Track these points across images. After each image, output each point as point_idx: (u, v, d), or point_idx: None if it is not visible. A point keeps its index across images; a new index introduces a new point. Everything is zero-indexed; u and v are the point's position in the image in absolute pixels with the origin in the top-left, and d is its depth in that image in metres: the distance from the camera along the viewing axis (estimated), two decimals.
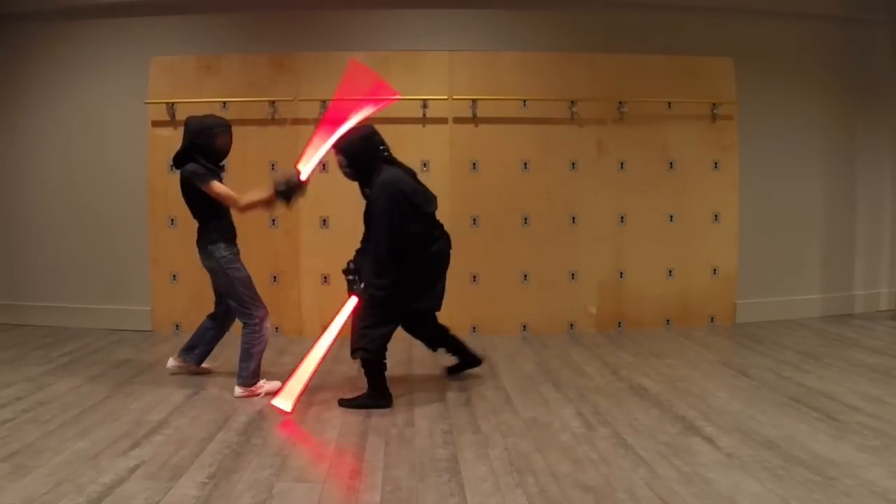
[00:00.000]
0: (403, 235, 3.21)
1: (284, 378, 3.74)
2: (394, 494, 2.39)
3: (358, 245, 3.59)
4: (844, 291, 5.56)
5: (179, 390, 3.61)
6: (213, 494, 2.38)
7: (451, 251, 3.50)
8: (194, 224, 3.62)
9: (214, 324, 3.83)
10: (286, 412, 3.23)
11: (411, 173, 3.43)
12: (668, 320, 5.20)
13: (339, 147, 3.35)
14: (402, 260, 3.24)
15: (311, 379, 3.33)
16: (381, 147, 3.35)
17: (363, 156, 3.31)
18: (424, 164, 4.93)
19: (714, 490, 2.39)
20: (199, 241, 3.57)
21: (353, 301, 3.40)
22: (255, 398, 3.49)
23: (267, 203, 3.45)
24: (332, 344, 3.39)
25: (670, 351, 4.47)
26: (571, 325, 5.12)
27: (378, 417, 3.21)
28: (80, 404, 3.35)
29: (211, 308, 3.86)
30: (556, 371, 4.01)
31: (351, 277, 3.43)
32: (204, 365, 3.93)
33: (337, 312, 3.45)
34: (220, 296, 3.74)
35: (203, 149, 3.50)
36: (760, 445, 2.78)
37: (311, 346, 3.39)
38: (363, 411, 3.29)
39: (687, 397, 3.45)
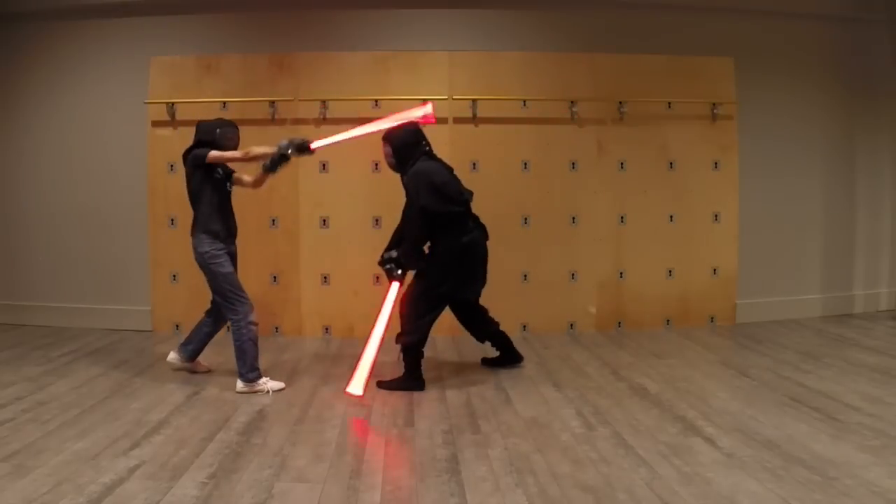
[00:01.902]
0: (432, 221, 3.52)
1: (287, 377, 3.77)
2: (394, 494, 2.39)
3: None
4: (844, 291, 5.56)
5: (179, 390, 3.62)
6: (213, 494, 2.38)
7: (488, 243, 3.76)
8: None
9: (210, 320, 3.86)
10: (360, 396, 3.47)
11: (448, 168, 3.70)
12: (668, 320, 5.20)
13: (387, 138, 3.66)
14: (425, 241, 3.59)
15: (374, 365, 3.55)
16: (424, 142, 3.66)
17: (407, 147, 3.61)
18: None
19: (714, 490, 2.38)
20: (191, 233, 3.68)
21: (395, 288, 3.67)
22: (257, 395, 3.51)
23: (267, 157, 3.52)
24: (387, 330, 3.62)
25: (670, 351, 4.47)
26: (571, 325, 5.12)
27: (378, 417, 3.22)
28: (80, 404, 3.35)
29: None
30: (556, 371, 4.01)
31: (388, 266, 3.69)
32: (203, 364, 3.95)
33: (383, 303, 3.68)
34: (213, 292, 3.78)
35: (210, 145, 3.60)
36: (760, 445, 2.78)
37: (368, 336, 3.61)
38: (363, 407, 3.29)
39: (687, 397, 3.45)
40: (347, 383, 3.53)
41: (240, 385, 3.56)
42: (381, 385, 3.65)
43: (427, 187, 3.49)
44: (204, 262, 3.59)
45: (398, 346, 3.66)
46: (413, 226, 3.57)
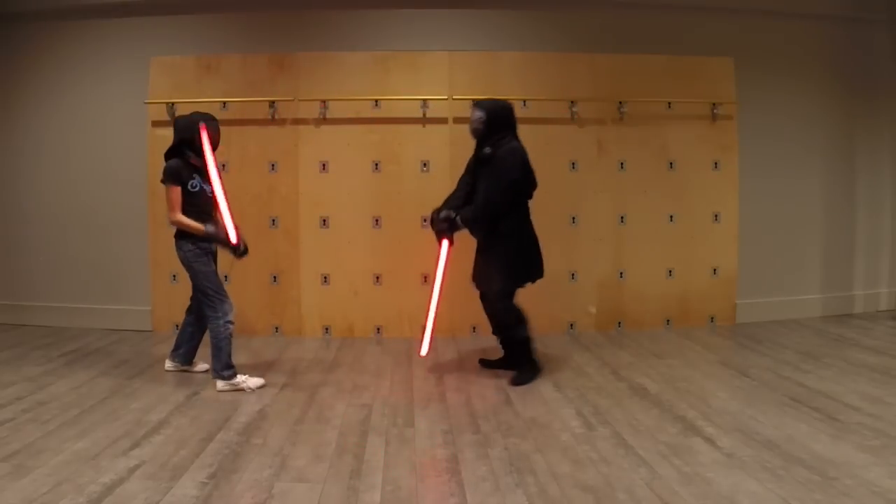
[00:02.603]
0: (515, 193, 3.68)
1: (287, 377, 3.77)
2: (394, 494, 2.39)
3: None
4: (844, 291, 5.56)
5: (179, 390, 3.62)
6: (213, 494, 2.38)
7: None
8: None
9: (191, 318, 3.88)
10: (423, 356, 3.90)
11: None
12: (668, 320, 5.20)
13: (483, 105, 3.76)
14: (503, 212, 3.67)
15: (434, 326, 3.86)
16: (514, 123, 3.80)
17: (501, 121, 3.73)
18: (424, 164, 4.93)
19: (714, 490, 2.39)
20: (174, 234, 3.68)
21: (445, 246, 3.79)
22: (257, 395, 3.51)
23: (197, 231, 3.58)
24: (442, 291, 3.82)
25: (670, 351, 4.47)
26: (571, 325, 5.12)
27: (378, 417, 3.22)
28: (80, 404, 3.35)
29: None
30: (556, 371, 4.00)
31: (441, 226, 3.75)
32: (204, 365, 3.95)
33: (436, 263, 3.81)
34: (194, 289, 3.79)
35: (191, 143, 3.59)
36: (760, 445, 2.78)
37: (429, 299, 3.85)
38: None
39: (687, 397, 3.45)
40: (419, 348, 3.88)
41: (220, 384, 3.59)
42: (516, 384, 3.70)
43: (521, 164, 3.66)
44: (186, 260, 3.62)
45: (501, 342, 3.86)
46: (500, 195, 3.63)
